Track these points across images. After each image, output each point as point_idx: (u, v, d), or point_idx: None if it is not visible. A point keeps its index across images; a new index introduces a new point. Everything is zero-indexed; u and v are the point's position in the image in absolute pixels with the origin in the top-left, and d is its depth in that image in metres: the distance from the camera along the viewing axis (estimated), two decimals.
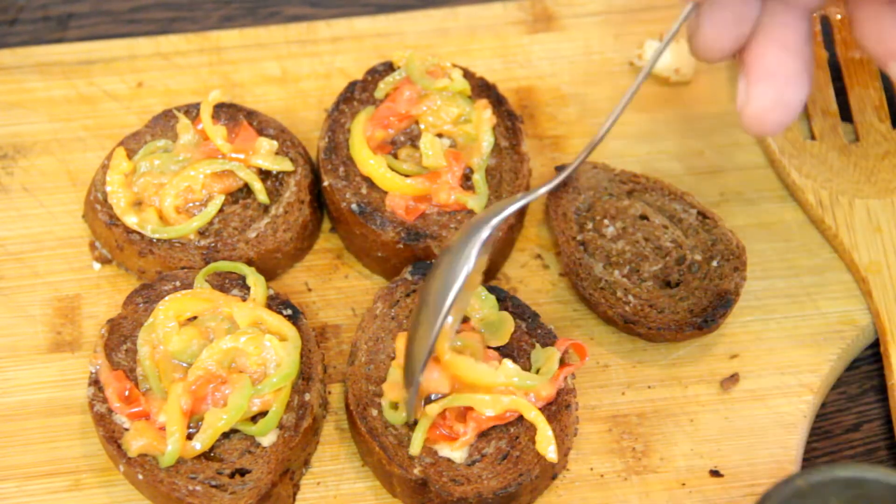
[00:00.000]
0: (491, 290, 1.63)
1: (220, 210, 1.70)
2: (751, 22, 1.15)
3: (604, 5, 2.00)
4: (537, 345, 1.58)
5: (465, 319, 1.60)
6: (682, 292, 1.66)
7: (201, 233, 1.69)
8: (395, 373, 1.54)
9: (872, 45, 1.21)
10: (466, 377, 1.50)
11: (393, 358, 1.58)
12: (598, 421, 1.62)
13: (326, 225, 1.80)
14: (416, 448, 1.50)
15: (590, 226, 1.72)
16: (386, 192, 1.69)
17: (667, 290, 1.67)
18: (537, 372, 1.55)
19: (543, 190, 1.50)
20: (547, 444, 1.49)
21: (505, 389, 1.51)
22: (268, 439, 1.52)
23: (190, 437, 1.51)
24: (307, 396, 1.55)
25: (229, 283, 1.64)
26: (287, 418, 1.53)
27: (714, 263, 1.68)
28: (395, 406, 1.54)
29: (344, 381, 1.63)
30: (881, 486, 1.27)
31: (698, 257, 1.68)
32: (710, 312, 1.64)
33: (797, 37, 1.15)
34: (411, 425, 1.52)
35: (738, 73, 1.21)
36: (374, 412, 1.54)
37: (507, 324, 1.58)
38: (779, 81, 1.16)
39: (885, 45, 1.20)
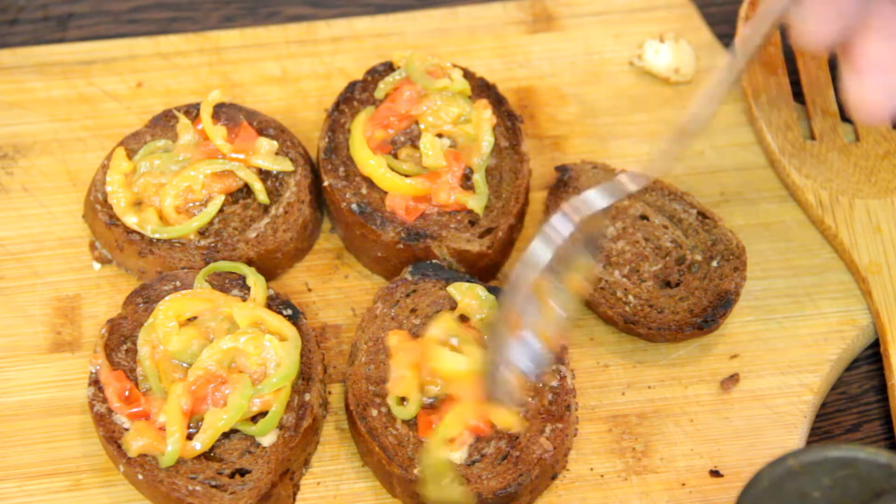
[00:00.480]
0: (491, 290, 1.63)
1: (220, 210, 1.70)
2: (855, 15, 1.19)
3: (604, 5, 2.00)
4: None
5: (464, 319, 1.61)
6: (682, 292, 1.66)
7: (201, 233, 1.69)
8: (400, 367, 1.54)
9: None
10: (436, 368, 1.51)
11: None
12: (598, 421, 1.62)
13: (326, 225, 1.80)
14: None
15: None
16: (386, 192, 1.69)
17: (667, 290, 1.67)
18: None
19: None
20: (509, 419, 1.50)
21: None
22: (268, 439, 1.52)
23: (190, 437, 1.51)
24: (307, 396, 1.55)
25: (229, 283, 1.64)
26: (287, 418, 1.53)
27: (714, 263, 1.68)
28: (401, 401, 1.53)
29: (344, 381, 1.63)
30: (872, 465, 1.27)
31: (698, 257, 1.68)
32: (710, 312, 1.64)
33: None
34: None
35: (843, 64, 1.24)
36: (374, 412, 1.54)
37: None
38: (889, 71, 1.21)
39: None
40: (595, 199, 1.40)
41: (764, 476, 1.29)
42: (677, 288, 1.67)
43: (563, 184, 1.75)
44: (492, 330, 1.40)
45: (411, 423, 1.53)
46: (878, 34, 1.20)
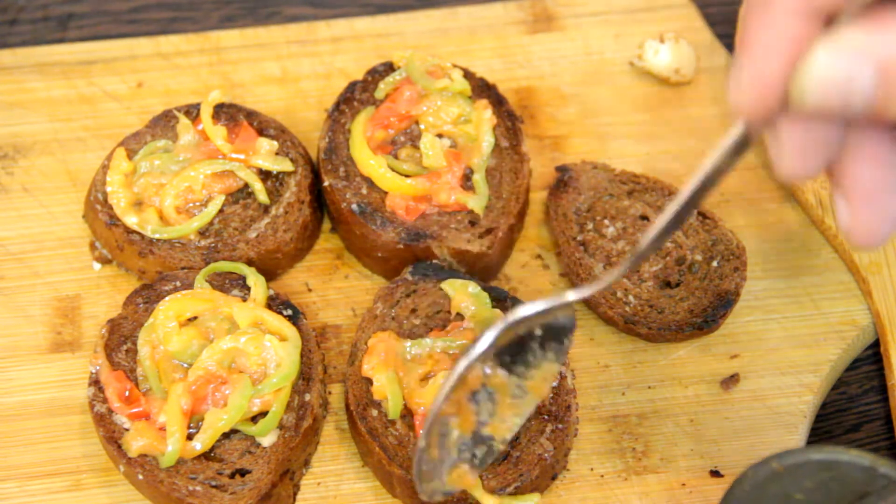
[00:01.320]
0: (491, 290, 1.63)
1: (221, 210, 1.70)
2: (838, 141, 1.10)
3: (604, 5, 2.00)
4: None
5: (460, 318, 1.61)
6: (682, 292, 1.66)
7: (201, 233, 1.69)
8: (372, 369, 1.54)
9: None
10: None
11: None
12: (598, 421, 1.62)
13: (326, 225, 1.80)
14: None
15: (590, 226, 1.72)
16: (386, 193, 1.69)
17: (667, 290, 1.67)
18: None
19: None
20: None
21: None
22: (268, 439, 1.52)
23: (190, 437, 1.51)
24: (307, 397, 1.55)
25: (229, 284, 1.64)
26: (287, 418, 1.53)
27: (714, 264, 1.68)
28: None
29: (344, 381, 1.63)
30: (854, 467, 1.28)
31: (698, 257, 1.68)
32: (710, 312, 1.64)
33: (889, 149, 1.11)
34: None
35: (833, 191, 1.17)
36: (374, 412, 1.54)
37: (496, 319, 1.58)
38: (881, 198, 1.13)
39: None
40: (529, 309, 1.35)
41: (747, 478, 1.30)
42: (677, 288, 1.67)
43: (563, 184, 1.75)
44: (430, 416, 1.39)
45: (411, 423, 1.54)
46: (867, 160, 1.11)
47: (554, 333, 1.39)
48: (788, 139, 1.09)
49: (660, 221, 1.19)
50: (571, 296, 1.34)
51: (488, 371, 1.39)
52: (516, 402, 1.42)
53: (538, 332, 1.38)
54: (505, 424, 1.43)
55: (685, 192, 1.16)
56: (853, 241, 1.15)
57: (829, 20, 1.05)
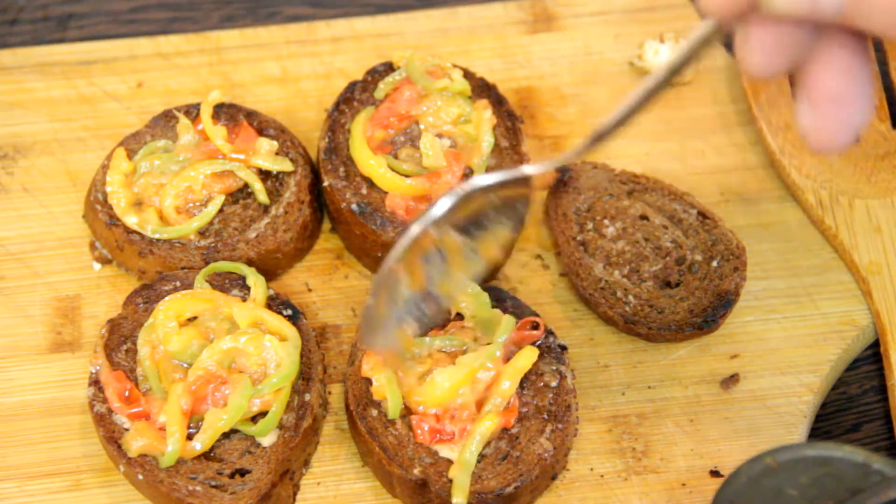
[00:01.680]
0: (491, 290, 1.63)
1: (220, 210, 1.70)
2: (805, 43, 1.12)
3: (604, 5, 2.00)
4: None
5: (459, 317, 1.61)
6: (682, 292, 1.66)
7: (201, 233, 1.69)
8: (371, 369, 1.54)
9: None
10: (434, 399, 1.51)
11: None
12: (598, 421, 1.62)
13: (326, 225, 1.80)
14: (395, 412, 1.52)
15: (590, 226, 1.72)
16: (386, 193, 1.69)
17: (667, 290, 1.67)
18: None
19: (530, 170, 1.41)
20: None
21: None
22: (268, 439, 1.52)
23: (190, 437, 1.51)
24: (307, 396, 1.55)
25: (229, 284, 1.64)
26: (287, 418, 1.53)
27: (714, 264, 1.68)
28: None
29: (344, 381, 1.63)
30: (849, 464, 1.28)
31: (698, 257, 1.68)
32: (710, 312, 1.64)
33: (856, 58, 1.13)
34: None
35: (795, 91, 1.19)
36: (374, 412, 1.54)
37: (498, 321, 1.58)
38: (843, 104, 1.15)
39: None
40: (486, 178, 1.38)
41: (742, 473, 1.30)
42: (677, 288, 1.67)
43: (563, 184, 1.75)
44: (381, 276, 1.40)
45: (410, 423, 1.53)
46: (833, 66, 1.13)
47: (510, 204, 1.41)
48: (756, 38, 1.11)
49: (628, 100, 1.23)
50: (528, 169, 1.37)
51: (441, 234, 1.41)
52: (467, 263, 1.45)
53: (495, 201, 1.40)
54: (454, 283, 1.45)
55: (653, 77, 1.20)
56: (812, 145, 1.17)
57: None
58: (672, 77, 1.19)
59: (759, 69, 1.13)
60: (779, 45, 1.11)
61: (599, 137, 1.26)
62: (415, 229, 1.37)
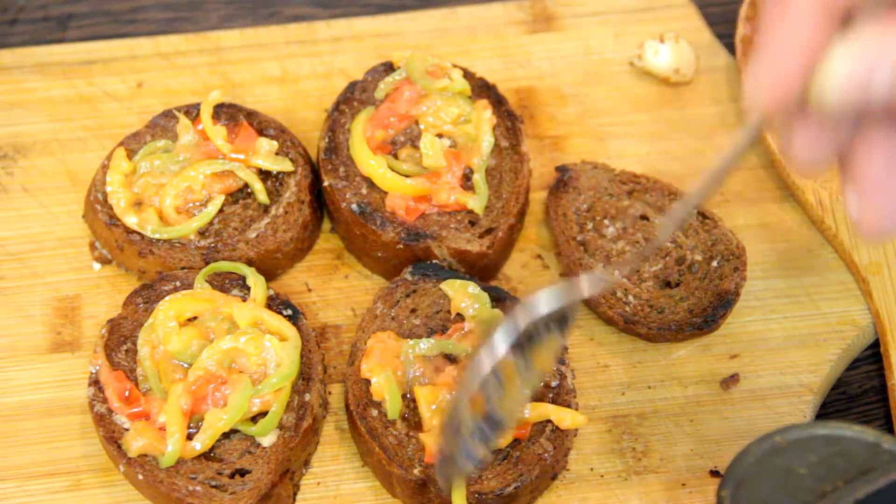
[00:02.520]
0: (491, 290, 1.63)
1: (220, 210, 1.70)
2: (850, 132, 1.12)
3: (604, 5, 2.00)
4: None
5: (460, 318, 1.61)
6: (681, 292, 1.66)
7: (201, 233, 1.69)
8: (371, 369, 1.54)
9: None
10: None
11: None
12: (598, 421, 1.62)
13: (326, 225, 1.80)
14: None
15: (590, 226, 1.72)
16: (386, 193, 1.69)
17: (667, 290, 1.67)
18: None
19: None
20: (568, 417, 1.51)
21: None
22: (268, 439, 1.52)
23: (190, 437, 1.51)
24: (307, 397, 1.55)
25: (229, 284, 1.64)
26: (287, 418, 1.53)
27: (714, 264, 1.68)
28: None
29: (344, 381, 1.63)
30: (859, 443, 1.29)
31: (698, 257, 1.68)
32: (710, 312, 1.64)
33: None
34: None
35: (843, 180, 1.18)
36: (374, 412, 1.54)
37: (499, 321, 1.58)
38: (891, 190, 1.13)
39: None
40: (544, 302, 1.33)
41: (750, 452, 1.30)
42: (677, 288, 1.67)
43: (563, 184, 1.75)
44: (448, 417, 1.38)
45: (410, 423, 1.54)
46: (877, 152, 1.12)
47: (559, 313, 1.39)
48: (802, 134, 1.11)
49: (677, 212, 1.22)
50: (585, 289, 1.34)
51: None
52: (522, 377, 1.42)
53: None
54: (512, 400, 1.43)
55: (700, 185, 1.19)
56: (864, 233, 1.16)
57: (846, 20, 1.06)
58: (719, 181, 1.19)
59: (806, 164, 1.13)
60: (824, 138, 1.11)
61: (657, 246, 1.27)
62: (479, 372, 1.34)
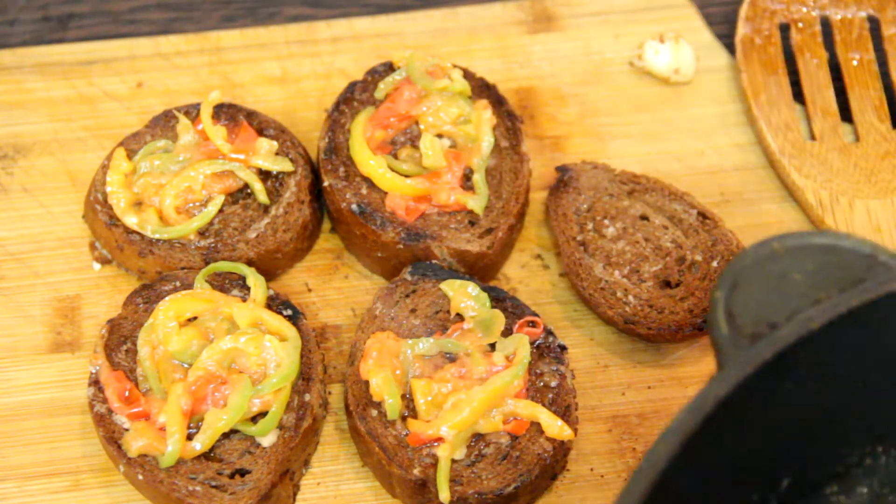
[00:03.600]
0: (491, 290, 1.63)
1: (220, 210, 1.70)
2: None
3: (604, 5, 2.00)
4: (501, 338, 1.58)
5: (460, 318, 1.61)
6: (682, 292, 1.66)
7: (201, 233, 1.69)
8: (370, 370, 1.54)
9: None
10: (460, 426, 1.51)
11: None
12: (598, 421, 1.62)
13: (326, 225, 1.80)
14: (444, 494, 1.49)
15: (590, 226, 1.72)
16: (386, 193, 1.69)
17: (667, 290, 1.67)
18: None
19: None
20: (556, 427, 1.50)
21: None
22: (268, 440, 1.52)
23: (190, 437, 1.51)
24: (307, 397, 1.55)
25: (229, 284, 1.64)
26: (287, 419, 1.53)
27: (714, 264, 1.68)
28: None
29: (344, 381, 1.63)
30: (855, 254, 1.27)
31: (698, 258, 1.68)
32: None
33: None
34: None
35: None
36: (374, 412, 1.54)
37: (498, 321, 1.58)
38: None
39: None
40: None
41: (748, 255, 1.29)
42: (677, 288, 1.67)
43: (564, 184, 1.75)
44: None
45: (410, 424, 1.53)
46: None
47: None
48: None
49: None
50: None
51: None
52: None
53: None
54: None
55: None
56: None
57: None
58: None
59: None
60: None
61: None
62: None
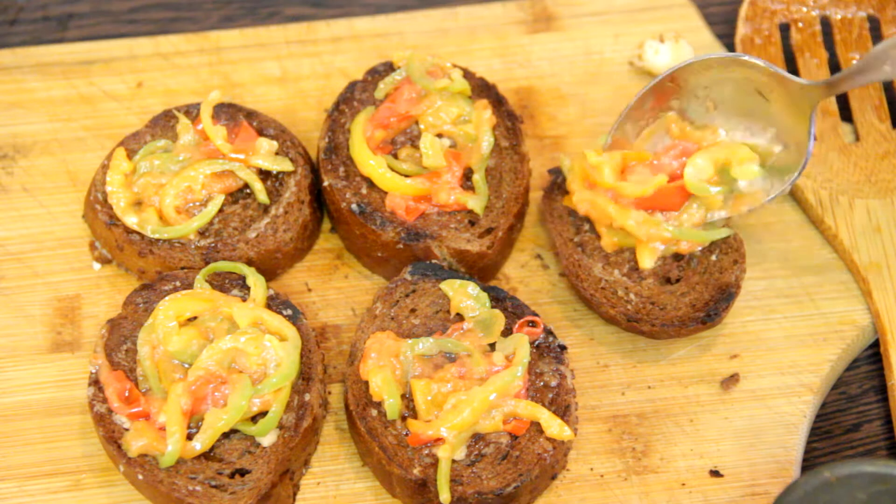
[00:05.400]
0: (491, 290, 1.63)
1: (220, 210, 1.70)
2: None
3: (604, 5, 2.00)
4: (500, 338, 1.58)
5: (460, 318, 1.61)
6: (682, 288, 1.66)
7: (201, 233, 1.69)
8: (370, 370, 1.54)
9: None
10: (458, 425, 1.50)
11: None
12: (598, 421, 1.62)
13: (326, 225, 1.80)
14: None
15: (586, 227, 1.72)
16: (386, 193, 1.69)
17: (667, 286, 1.67)
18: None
19: None
20: (556, 426, 1.50)
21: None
22: (268, 439, 1.52)
23: (190, 437, 1.51)
24: (307, 396, 1.55)
25: (229, 284, 1.64)
26: (287, 418, 1.53)
27: (713, 257, 1.67)
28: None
29: (344, 381, 1.63)
30: None
31: (697, 252, 1.68)
32: (712, 306, 1.63)
33: None
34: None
35: None
36: (374, 412, 1.54)
37: (498, 321, 1.58)
38: None
39: None
40: None
41: (799, 486, 1.29)
42: (678, 284, 1.67)
43: (557, 186, 1.75)
44: None
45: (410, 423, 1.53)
46: None
47: None
48: None
49: None
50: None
51: None
52: None
53: None
54: None
55: None
56: None
57: None
58: None
59: None
60: None
61: None
62: None
